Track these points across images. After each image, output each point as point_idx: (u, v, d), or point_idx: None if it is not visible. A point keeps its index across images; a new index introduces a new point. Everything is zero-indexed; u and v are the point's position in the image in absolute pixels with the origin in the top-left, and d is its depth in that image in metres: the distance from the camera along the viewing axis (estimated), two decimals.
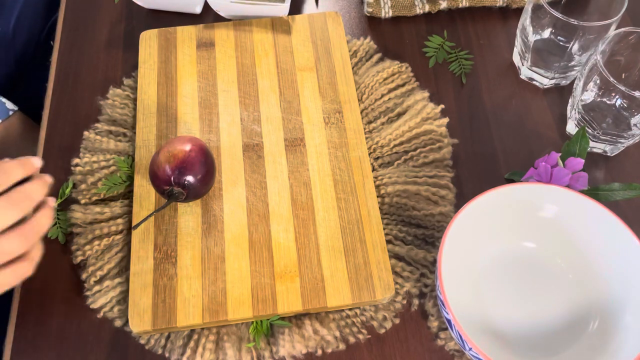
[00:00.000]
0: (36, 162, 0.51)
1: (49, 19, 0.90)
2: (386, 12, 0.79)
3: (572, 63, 0.71)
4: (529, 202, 0.60)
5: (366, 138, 0.70)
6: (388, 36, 0.79)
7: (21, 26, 0.90)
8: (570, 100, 0.70)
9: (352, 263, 0.61)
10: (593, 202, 0.58)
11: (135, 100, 0.73)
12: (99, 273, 0.62)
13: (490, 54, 0.77)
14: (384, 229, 0.64)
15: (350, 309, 0.61)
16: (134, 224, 0.63)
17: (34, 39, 0.94)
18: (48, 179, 0.52)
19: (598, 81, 0.63)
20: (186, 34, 0.76)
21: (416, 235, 0.65)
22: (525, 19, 0.70)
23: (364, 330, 0.60)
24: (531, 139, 0.71)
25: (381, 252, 0.62)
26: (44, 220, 0.51)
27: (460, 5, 0.79)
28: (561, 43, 0.70)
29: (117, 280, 0.62)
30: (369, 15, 0.79)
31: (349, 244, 0.62)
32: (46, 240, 0.65)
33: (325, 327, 0.60)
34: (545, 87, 0.75)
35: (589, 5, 0.71)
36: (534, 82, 0.75)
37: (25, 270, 0.50)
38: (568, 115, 0.71)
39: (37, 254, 0.51)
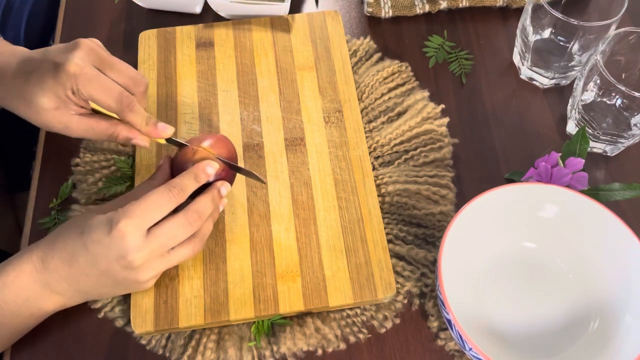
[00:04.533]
0: (209, 169, 0.57)
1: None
2: (386, 12, 0.79)
3: (572, 63, 0.71)
4: (529, 202, 0.60)
5: (366, 137, 0.70)
6: (388, 36, 0.79)
7: (32, 31, 0.90)
8: (570, 100, 0.70)
9: (353, 262, 0.61)
10: (593, 202, 0.58)
11: None
12: None
13: (490, 54, 0.77)
14: (384, 228, 0.64)
15: (350, 309, 0.61)
16: None
17: (45, 43, 0.94)
18: (218, 192, 0.58)
19: (598, 81, 0.64)
20: (185, 34, 0.76)
21: (417, 234, 0.65)
22: (525, 19, 0.70)
23: (364, 330, 0.60)
24: (531, 139, 0.71)
25: (382, 252, 0.62)
26: (205, 205, 0.57)
27: (461, 5, 0.79)
28: (561, 43, 0.70)
29: None
30: (369, 15, 0.79)
31: (350, 243, 0.62)
32: None
33: (326, 326, 0.60)
34: (545, 87, 0.75)
35: (589, 5, 0.71)
36: (534, 82, 0.75)
37: (197, 245, 0.58)
38: (568, 115, 0.71)
39: (206, 231, 0.58)
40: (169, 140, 0.62)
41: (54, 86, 0.57)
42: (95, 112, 0.61)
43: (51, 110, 0.58)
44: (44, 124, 0.60)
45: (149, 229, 0.54)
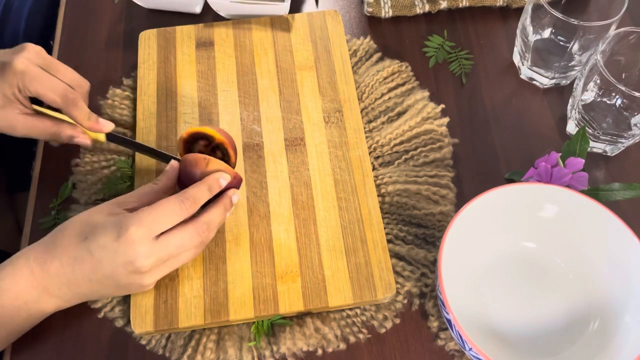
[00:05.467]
0: (222, 181, 0.58)
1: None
2: (386, 11, 0.79)
3: (572, 63, 0.71)
4: (529, 202, 0.60)
5: (366, 137, 0.70)
6: (388, 36, 0.79)
7: (31, 30, 0.90)
8: (570, 100, 0.70)
9: (353, 263, 0.61)
10: (593, 202, 0.58)
11: (135, 100, 0.73)
12: None
13: (490, 54, 0.77)
14: (384, 228, 0.64)
15: (350, 309, 0.61)
16: None
17: (45, 43, 0.94)
18: (230, 201, 0.59)
19: (598, 81, 0.63)
20: (185, 34, 0.76)
21: (417, 234, 0.65)
22: (526, 19, 0.70)
23: (364, 330, 0.60)
24: (531, 139, 0.71)
25: (382, 252, 0.62)
26: (216, 216, 0.58)
27: (461, 5, 0.79)
28: (561, 43, 0.70)
29: None
30: (369, 15, 0.79)
31: (349, 243, 0.62)
32: None
33: (326, 326, 0.60)
34: (545, 87, 0.75)
35: (589, 5, 0.71)
36: (534, 82, 0.75)
37: (198, 249, 0.58)
38: (568, 115, 0.71)
39: (209, 236, 0.58)
40: (109, 136, 0.65)
41: (0, 84, 0.59)
42: (38, 114, 0.63)
43: None
44: None
45: (158, 235, 0.54)
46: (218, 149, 0.62)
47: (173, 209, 0.54)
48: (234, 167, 0.62)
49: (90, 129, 0.63)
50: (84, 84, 0.64)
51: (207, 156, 0.59)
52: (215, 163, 0.59)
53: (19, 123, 0.61)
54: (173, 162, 0.61)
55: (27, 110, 0.62)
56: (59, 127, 0.63)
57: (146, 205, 0.57)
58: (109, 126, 0.64)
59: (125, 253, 0.53)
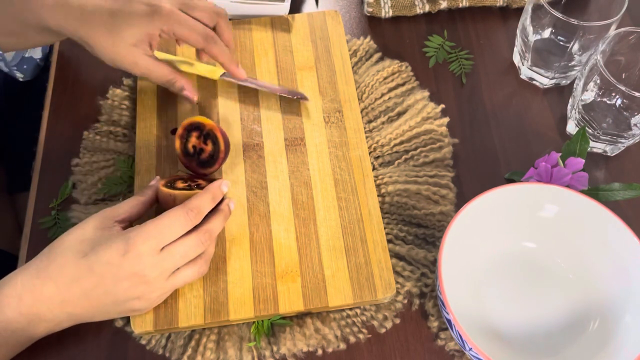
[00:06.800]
0: (224, 187, 0.59)
1: None
2: (386, 11, 0.79)
3: (572, 63, 0.71)
4: (529, 202, 0.60)
5: (366, 137, 0.70)
6: (388, 36, 0.79)
7: None
8: (570, 100, 0.70)
9: (353, 262, 0.61)
10: (593, 202, 0.58)
11: (135, 100, 0.73)
12: None
13: (490, 54, 0.77)
14: (384, 228, 0.64)
15: (350, 309, 0.61)
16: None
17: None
18: (229, 209, 0.60)
19: (598, 81, 0.64)
20: None
21: (417, 234, 0.65)
22: (526, 19, 0.70)
23: (364, 330, 0.60)
24: (531, 139, 0.71)
25: (382, 252, 0.62)
26: (217, 225, 0.58)
27: (461, 5, 0.79)
28: (561, 43, 0.70)
29: None
30: (369, 15, 0.79)
31: (350, 243, 0.62)
32: (47, 240, 0.65)
33: (326, 326, 0.60)
34: (545, 87, 0.75)
35: (589, 5, 0.71)
36: (534, 82, 0.75)
37: (202, 267, 0.58)
38: (568, 115, 0.71)
39: (210, 252, 0.59)
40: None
41: (145, 24, 0.62)
42: (158, 60, 0.66)
43: (129, 45, 0.62)
44: (115, 55, 0.64)
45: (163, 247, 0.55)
46: (209, 138, 0.63)
47: (178, 220, 0.55)
48: (225, 155, 0.63)
49: (227, 67, 0.67)
50: (221, 11, 0.66)
51: (174, 192, 0.58)
52: (182, 197, 0.58)
53: (142, 61, 0.64)
54: (154, 181, 0.62)
55: (150, 53, 0.64)
56: (175, 75, 0.66)
57: (135, 216, 0.58)
58: (244, 74, 0.69)
59: (131, 266, 0.53)
